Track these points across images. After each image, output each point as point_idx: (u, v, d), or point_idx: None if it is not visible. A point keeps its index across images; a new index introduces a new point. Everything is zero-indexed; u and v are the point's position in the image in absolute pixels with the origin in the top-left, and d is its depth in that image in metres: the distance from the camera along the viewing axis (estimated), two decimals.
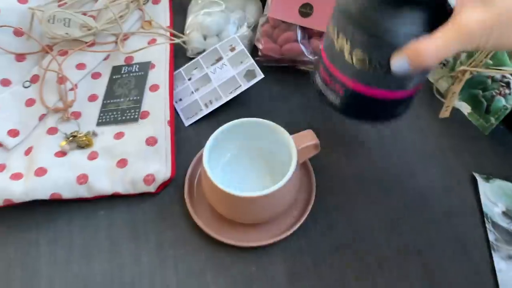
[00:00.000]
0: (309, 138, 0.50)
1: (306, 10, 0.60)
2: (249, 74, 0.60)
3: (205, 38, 0.66)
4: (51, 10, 0.61)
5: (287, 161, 0.49)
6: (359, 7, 0.40)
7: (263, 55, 0.64)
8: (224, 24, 0.66)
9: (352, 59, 0.42)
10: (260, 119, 0.51)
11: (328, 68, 0.45)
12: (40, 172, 0.52)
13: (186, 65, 0.64)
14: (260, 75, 0.59)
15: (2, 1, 0.64)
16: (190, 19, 0.68)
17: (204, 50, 0.66)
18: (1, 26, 0.61)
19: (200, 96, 0.61)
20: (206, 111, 0.60)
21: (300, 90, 0.63)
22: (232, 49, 0.62)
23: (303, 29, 0.61)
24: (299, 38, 0.61)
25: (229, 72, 0.61)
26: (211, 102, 0.60)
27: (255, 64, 0.60)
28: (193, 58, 0.65)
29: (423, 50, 0.36)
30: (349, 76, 0.44)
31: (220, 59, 0.62)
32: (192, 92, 0.61)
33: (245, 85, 0.59)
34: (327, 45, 0.45)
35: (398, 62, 0.38)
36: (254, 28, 0.67)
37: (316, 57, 0.62)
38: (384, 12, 0.39)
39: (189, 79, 0.62)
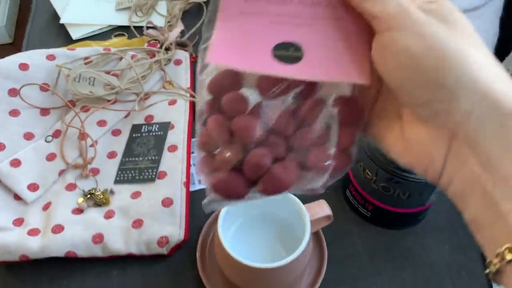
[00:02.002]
0: (322, 209, 0.51)
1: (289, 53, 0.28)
2: None
3: None
4: (78, 70, 0.64)
5: (299, 228, 0.49)
6: (384, 156, 0.48)
7: None
8: None
9: (378, 187, 0.52)
10: None
11: (360, 192, 0.55)
12: (57, 229, 0.53)
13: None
14: None
15: (32, 57, 0.67)
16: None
17: None
18: (29, 84, 0.64)
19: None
20: (198, 187, 0.61)
21: None
22: None
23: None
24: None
25: None
26: None
27: None
28: None
29: None
30: (376, 199, 0.54)
31: None
32: None
33: None
34: (356, 174, 0.55)
35: None
36: None
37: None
38: None
39: None
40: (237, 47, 0.27)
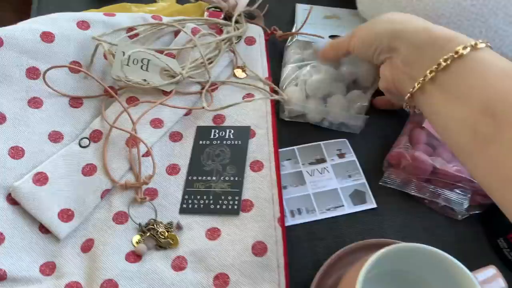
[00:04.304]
0: (494, 279, 0.36)
1: None
2: (357, 195, 0.47)
3: (306, 96, 0.51)
4: (127, 48, 0.46)
5: None
6: None
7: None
8: (334, 83, 0.51)
9: None
10: (426, 246, 0.36)
11: None
12: (109, 287, 0.37)
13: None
14: (372, 204, 0.46)
15: (58, 24, 0.48)
16: (288, 70, 0.53)
17: (303, 115, 0.51)
18: (54, 67, 0.45)
19: (288, 198, 0.46)
20: (291, 222, 0.45)
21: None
22: (341, 156, 0.49)
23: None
24: None
25: (331, 182, 0.47)
26: (299, 211, 0.45)
27: (367, 186, 0.47)
28: (287, 122, 0.51)
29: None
30: None
31: (322, 161, 0.49)
32: None
33: (349, 208, 0.46)
34: None
35: None
36: (367, 91, 0.52)
37: None
38: None
39: None
40: None
